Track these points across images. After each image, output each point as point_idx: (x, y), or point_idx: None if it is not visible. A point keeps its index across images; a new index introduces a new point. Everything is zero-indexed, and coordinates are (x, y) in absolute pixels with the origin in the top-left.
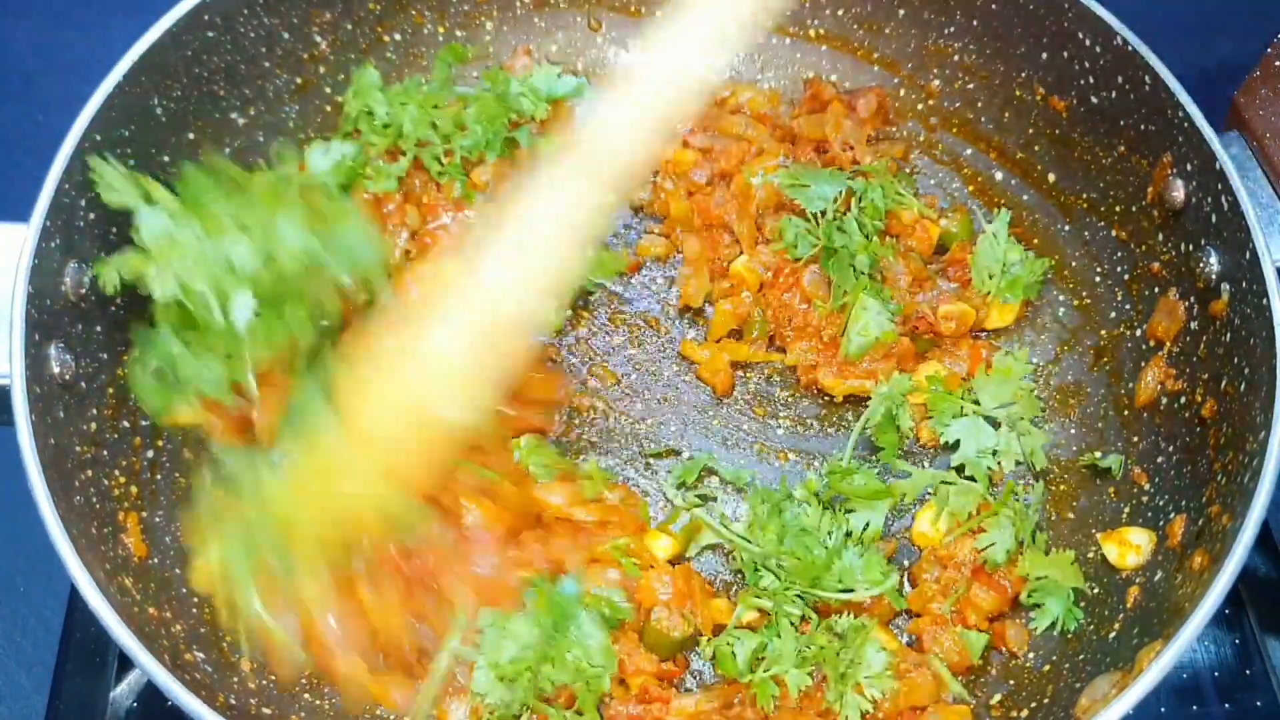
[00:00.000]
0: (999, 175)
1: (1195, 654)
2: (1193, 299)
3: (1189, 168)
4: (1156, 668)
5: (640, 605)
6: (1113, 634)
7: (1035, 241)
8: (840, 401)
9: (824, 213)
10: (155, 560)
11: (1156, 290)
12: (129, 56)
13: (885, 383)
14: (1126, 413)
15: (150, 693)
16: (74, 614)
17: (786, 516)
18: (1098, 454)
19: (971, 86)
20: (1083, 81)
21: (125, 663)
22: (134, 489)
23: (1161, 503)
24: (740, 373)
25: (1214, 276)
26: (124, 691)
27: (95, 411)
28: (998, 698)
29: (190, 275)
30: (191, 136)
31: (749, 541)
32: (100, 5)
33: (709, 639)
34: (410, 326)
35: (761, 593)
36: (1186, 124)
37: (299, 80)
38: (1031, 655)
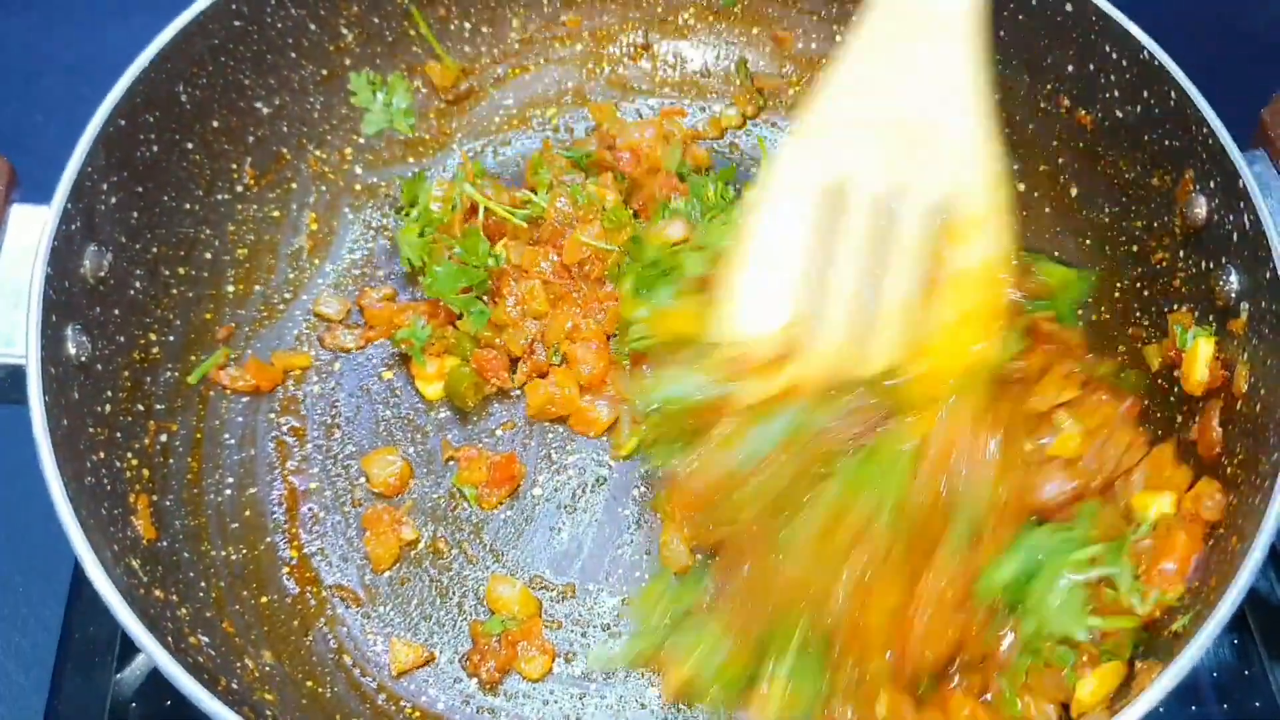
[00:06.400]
0: (1021, 187)
1: None
2: (1211, 317)
3: (1212, 185)
4: (1158, 687)
5: None
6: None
7: (1056, 255)
8: None
9: None
10: (164, 543)
11: (1176, 307)
12: (156, 43)
13: None
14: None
15: (150, 692)
16: (73, 614)
17: None
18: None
19: (997, 98)
20: (1108, 95)
21: (125, 662)
22: (146, 471)
23: None
24: None
25: (1233, 295)
26: (124, 691)
27: (110, 394)
28: None
29: None
30: (216, 124)
31: None
32: (100, 5)
33: None
34: None
35: None
36: (1210, 140)
37: (325, 72)
38: None
